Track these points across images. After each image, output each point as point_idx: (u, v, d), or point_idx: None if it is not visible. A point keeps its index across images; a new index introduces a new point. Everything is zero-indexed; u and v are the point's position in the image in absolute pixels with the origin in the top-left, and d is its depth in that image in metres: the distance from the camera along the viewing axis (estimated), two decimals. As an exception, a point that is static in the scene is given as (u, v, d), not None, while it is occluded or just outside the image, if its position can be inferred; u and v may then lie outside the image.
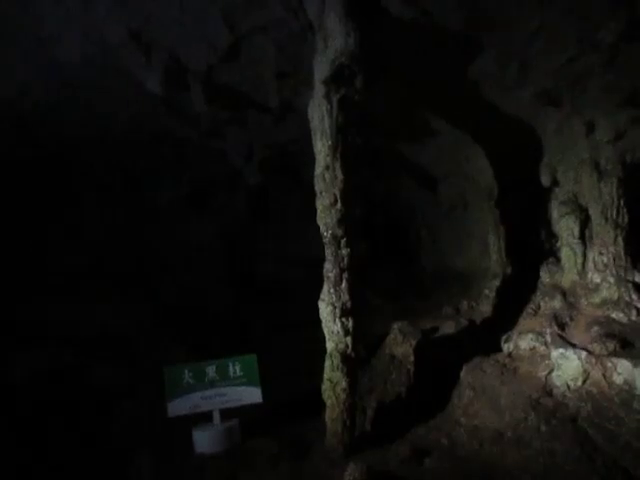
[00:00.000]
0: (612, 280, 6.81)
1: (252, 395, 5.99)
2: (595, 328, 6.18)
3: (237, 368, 6.05)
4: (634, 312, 6.28)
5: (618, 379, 5.23)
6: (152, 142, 8.20)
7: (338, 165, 4.97)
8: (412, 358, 6.70)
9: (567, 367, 5.61)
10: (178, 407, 5.92)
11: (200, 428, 5.84)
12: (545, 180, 7.94)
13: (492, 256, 8.92)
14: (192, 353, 7.15)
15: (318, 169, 5.08)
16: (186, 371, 6.01)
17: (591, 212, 7.29)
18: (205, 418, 5.96)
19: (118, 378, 7.20)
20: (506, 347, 6.58)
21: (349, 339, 5.08)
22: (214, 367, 6.06)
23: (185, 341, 8.13)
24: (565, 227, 7.61)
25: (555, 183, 7.92)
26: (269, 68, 6.05)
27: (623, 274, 6.82)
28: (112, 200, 9.26)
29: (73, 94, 6.67)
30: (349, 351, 5.08)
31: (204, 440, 5.71)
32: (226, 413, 5.99)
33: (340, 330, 5.05)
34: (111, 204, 9.27)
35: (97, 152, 8.23)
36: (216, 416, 5.95)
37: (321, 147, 5.03)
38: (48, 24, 5.49)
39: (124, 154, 8.53)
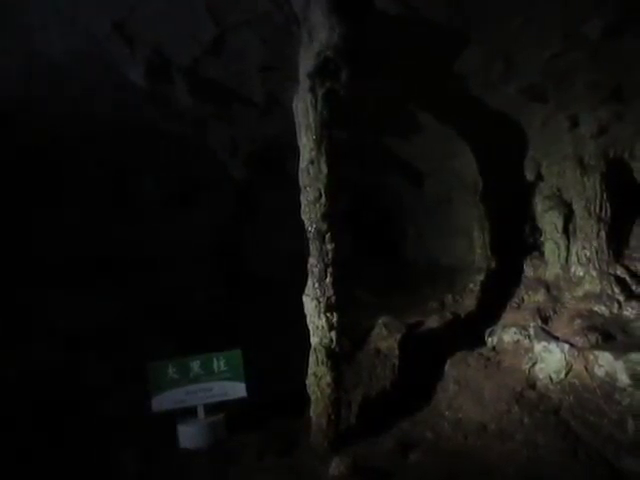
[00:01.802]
0: (595, 274, 6.88)
1: (237, 390, 6.00)
2: (578, 321, 6.25)
3: (222, 363, 6.05)
4: (616, 305, 6.35)
5: (600, 371, 5.29)
6: (138, 138, 8.12)
7: (323, 159, 4.97)
8: (397, 352, 6.73)
9: (550, 360, 5.68)
10: (162, 402, 5.91)
11: (185, 423, 5.83)
12: (529, 175, 8.00)
13: (477, 250, 8.96)
14: (179, 350, 7.10)
15: (303, 163, 5.07)
16: (170, 366, 6.00)
17: (575, 206, 7.36)
18: (190, 413, 5.95)
19: (104, 373, 7.14)
20: (490, 341, 6.65)
21: (334, 334, 5.09)
22: (199, 362, 6.06)
23: (172, 338, 8.09)
24: (549, 221, 7.69)
25: (539, 178, 7.97)
26: (254, 62, 5.99)
27: (605, 268, 6.89)
28: (99, 196, 9.17)
29: (57, 88, 6.59)
30: (333, 345, 5.11)
31: (189, 435, 5.71)
32: (211, 408, 5.99)
33: (325, 325, 5.07)
34: (98, 200, 9.18)
35: (82, 148, 8.13)
36: (201, 411, 5.95)
37: (306, 141, 5.02)
38: (31, 15, 5.39)
39: (109, 150, 8.44)
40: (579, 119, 7.01)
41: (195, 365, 6.05)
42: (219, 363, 6.06)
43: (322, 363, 5.05)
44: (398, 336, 6.98)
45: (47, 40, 5.73)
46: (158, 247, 9.69)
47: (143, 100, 6.79)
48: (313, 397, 5.14)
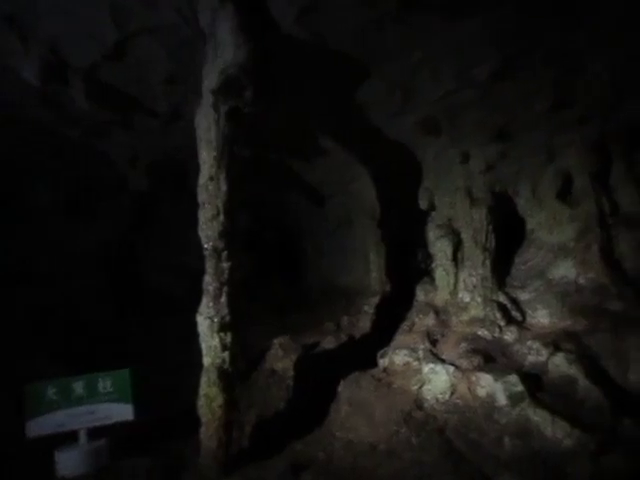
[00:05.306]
0: (479, 300, 7.31)
1: (123, 412, 5.65)
2: (463, 344, 6.59)
3: (108, 384, 5.69)
4: (497, 329, 6.78)
5: (481, 392, 5.59)
6: (26, 136, 7.56)
7: (223, 177, 4.90)
8: (292, 373, 6.74)
9: (437, 381, 5.92)
10: (39, 426, 5.45)
11: (63, 449, 5.41)
12: (423, 204, 8.39)
13: (372, 274, 9.22)
14: (67, 369, 6.63)
15: (202, 179, 4.97)
16: (49, 387, 5.56)
17: (463, 236, 7.81)
18: (71, 438, 5.54)
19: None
20: (382, 362, 6.81)
21: (227, 354, 4.97)
22: (82, 383, 5.66)
23: (60, 356, 7.54)
24: (440, 249, 8.08)
25: (432, 207, 8.39)
26: (157, 72, 5.83)
27: (489, 294, 7.35)
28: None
29: None
30: (226, 366, 4.98)
31: (67, 462, 5.29)
32: (96, 432, 5.62)
33: (218, 345, 4.94)
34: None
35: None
36: (82, 435, 5.55)
37: (206, 157, 4.94)
38: None
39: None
40: (470, 154, 7.50)
41: (78, 386, 5.64)
42: (105, 384, 5.69)
43: (214, 384, 4.91)
44: (294, 357, 6.98)
45: None
46: (46, 257, 9.05)
47: (36, 100, 6.36)
48: (204, 419, 4.97)
